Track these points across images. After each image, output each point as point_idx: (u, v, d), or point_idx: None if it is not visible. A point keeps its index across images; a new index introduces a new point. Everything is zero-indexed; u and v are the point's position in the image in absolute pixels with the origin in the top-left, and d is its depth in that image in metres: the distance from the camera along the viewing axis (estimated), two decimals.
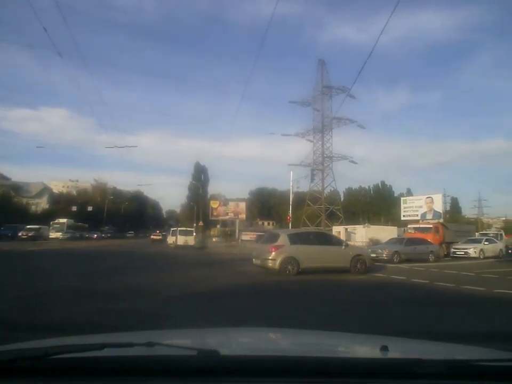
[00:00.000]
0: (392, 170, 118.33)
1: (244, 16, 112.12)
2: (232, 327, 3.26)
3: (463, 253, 23.30)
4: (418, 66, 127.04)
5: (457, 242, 25.57)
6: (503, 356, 1.62)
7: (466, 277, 12.96)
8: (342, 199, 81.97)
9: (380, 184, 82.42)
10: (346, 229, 46.70)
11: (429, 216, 43.59)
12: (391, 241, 22.12)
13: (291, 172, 32.73)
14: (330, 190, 62.67)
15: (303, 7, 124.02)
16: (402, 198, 47.87)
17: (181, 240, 34.16)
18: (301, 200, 58.90)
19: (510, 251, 27.09)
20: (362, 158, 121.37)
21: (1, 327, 4.79)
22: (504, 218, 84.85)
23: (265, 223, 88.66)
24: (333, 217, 58.71)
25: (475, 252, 23.04)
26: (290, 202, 31.44)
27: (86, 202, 71.34)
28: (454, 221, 50.11)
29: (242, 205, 52.87)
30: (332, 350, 1.86)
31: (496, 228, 72.13)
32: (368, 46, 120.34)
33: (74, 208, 63.56)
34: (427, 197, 45.24)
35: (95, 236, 57.58)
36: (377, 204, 76.78)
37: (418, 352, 1.79)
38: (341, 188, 77.73)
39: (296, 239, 12.92)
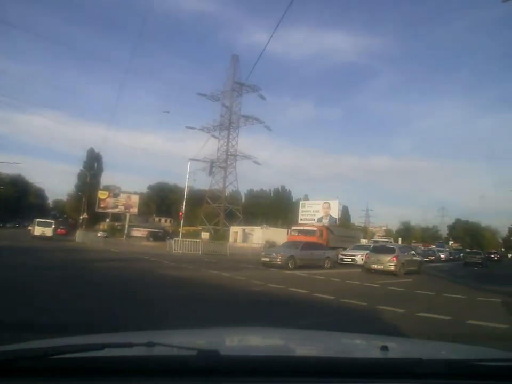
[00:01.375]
0: (292, 176, 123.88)
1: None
2: (232, 327, 3.15)
3: (350, 259, 22.07)
4: (324, 83, 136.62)
5: (342, 248, 24.50)
6: (503, 356, 1.65)
7: (369, 290, 11.70)
8: (243, 199, 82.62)
9: (280, 188, 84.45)
10: (244, 229, 45.68)
11: (325, 221, 44.28)
12: (287, 245, 20.32)
13: (188, 163, 29.63)
14: (233, 190, 61.62)
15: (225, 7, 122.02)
16: (301, 202, 48.31)
17: (38, 230, 32.57)
18: (201, 198, 57.00)
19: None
20: (266, 161, 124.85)
21: None
22: (385, 228, 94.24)
23: (162, 220, 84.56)
24: (232, 217, 57.38)
25: (362, 259, 21.09)
26: (185, 197, 28.44)
27: None
28: (345, 228, 52.15)
29: (135, 198, 48.16)
30: (332, 350, 1.86)
31: (378, 235, 79.01)
32: (282, 56, 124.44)
33: None
34: (324, 202, 46.10)
35: None
36: (276, 207, 77.84)
37: (418, 352, 1.78)
38: (243, 189, 77.91)
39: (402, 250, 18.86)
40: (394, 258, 17.32)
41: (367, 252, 20.73)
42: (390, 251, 18.17)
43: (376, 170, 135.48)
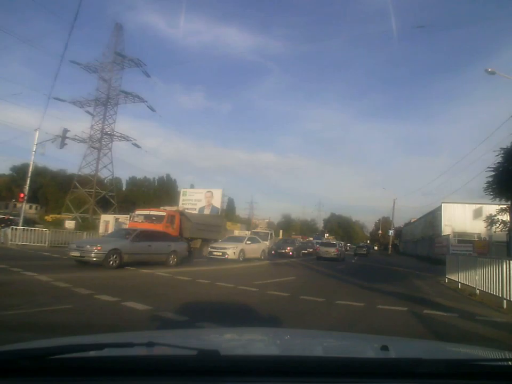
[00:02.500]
0: (179, 166, 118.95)
1: None
2: (232, 327, 3.32)
3: (220, 253, 18.93)
4: (217, 76, 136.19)
5: (213, 240, 21.08)
6: (503, 356, 1.73)
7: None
8: (124, 187, 76.19)
9: (165, 177, 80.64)
10: (117, 218, 40.60)
11: (207, 210, 41.78)
12: (113, 234, 16.03)
13: (36, 133, 23.54)
14: (112, 177, 55.08)
15: None
16: (182, 190, 45.16)
17: None
18: (70, 182, 49.74)
19: (273, 251, 26.63)
20: (153, 149, 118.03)
21: None
22: (268, 220, 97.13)
23: (27, 206, 72.75)
24: (108, 206, 51.39)
25: (234, 253, 19.04)
26: (29, 174, 22.60)
27: None
28: (230, 220, 50.56)
29: None
30: (332, 350, 1.89)
31: (261, 227, 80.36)
32: (176, 41, 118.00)
33: None
34: (207, 191, 43.49)
35: None
36: (160, 196, 73.44)
37: (418, 352, 1.80)
38: (125, 176, 75.10)
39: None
40: (336, 250, 27.13)
41: (241, 243, 19.99)
42: (333, 245, 28.65)
43: (262, 165, 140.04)
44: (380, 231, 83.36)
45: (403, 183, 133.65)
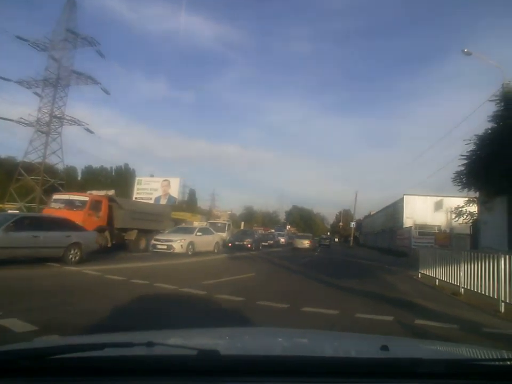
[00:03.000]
0: (139, 155, 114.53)
1: None
2: (232, 327, 3.15)
3: (165, 246, 16.50)
4: (180, 64, 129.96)
5: (156, 231, 18.42)
6: (503, 356, 1.67)
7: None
8: (79, 176, 72.28)
9: (123, 166, 77.16)
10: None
11: (164, 200, 39.34)
12: None
13: None
14: (63, 164, 50.89)
15: None
16: (137, 178, 42.65)
17: None
18: (27, 170, 45.38)
19: (230, 244, 24.28)
20: (112, 137, 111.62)
21: None
22: (230, 212, 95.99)
23: None
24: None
25: (182, 245, 16.69)
26: None
27: None
28: (191, 212, 48.56)
29: None
30: (332, 349, 1.87)
31: (223, 219, 78.96)
32: (136, 26, 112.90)
33: None
34: (164, 180, 41.01)
35: None
36: (117, 186, 70.00)
37: (418, 351, 1.80)
38: (81, 165, 71.09)
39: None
40: (310, 242, 32.18)
41: (191, 235, 17.86)
42: (307, 237, 33.51)
43: (225, 157, 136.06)
44: (341, 223, 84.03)
45: (363, 176, 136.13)
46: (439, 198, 38.86)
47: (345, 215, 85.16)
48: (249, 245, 24.56)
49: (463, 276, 8.92)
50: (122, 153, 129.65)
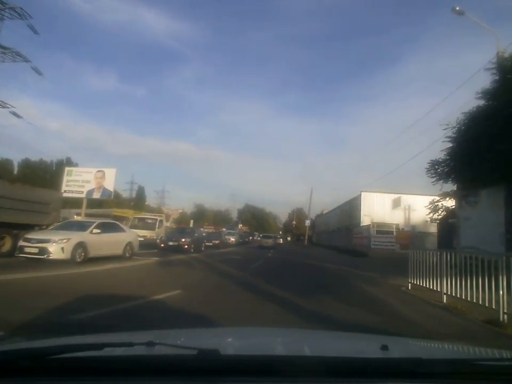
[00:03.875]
0: (86, 151, 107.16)
1: None
2: (232, 327, 3.17)
3: (37, 250, 11.42)
4: (132, 58, 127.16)
5: (7, 224, 12.83)
6: (503, 355, 1.65)
7: None
8: (15, 170, 65.89)
9: (64, 160, 70.76)
10: None
11: (97, 194, 34.08)
12: None
13: None
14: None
15: None
16: (67, 169, 36.86)
17: None
18: None
19: (162, 245, 20.11)
20: (55, 131, 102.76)
21: None
22: (181, 210, 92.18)
23: None
24: None
25: (63, 248, 11.53)
26: None
27: None
28: (139, 209, 43.91)
29: None
30: (332, 349, 1.80)
31: (173, 218, 74.94)
32: (87, 15, 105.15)
33: None
34: (98, 171, 35.46)
35: None
36: (58, 181, 63.89)
37: (418, 351, 1.77)
38: (17, 158, 66.79)
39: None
40: (273, 240, 38.46)
41: (82, 233, 12.59)
42: (271, 237, 39.51)
43: (177, 155, 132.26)
44: (294, 222, 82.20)
45: (316, 177, 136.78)
46: (397, 195, 37.22)
47: (298, 214, 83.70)
48: (186, 246, 20.26)
49: (501, 293, 5.70)
50: (65, 147, 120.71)
